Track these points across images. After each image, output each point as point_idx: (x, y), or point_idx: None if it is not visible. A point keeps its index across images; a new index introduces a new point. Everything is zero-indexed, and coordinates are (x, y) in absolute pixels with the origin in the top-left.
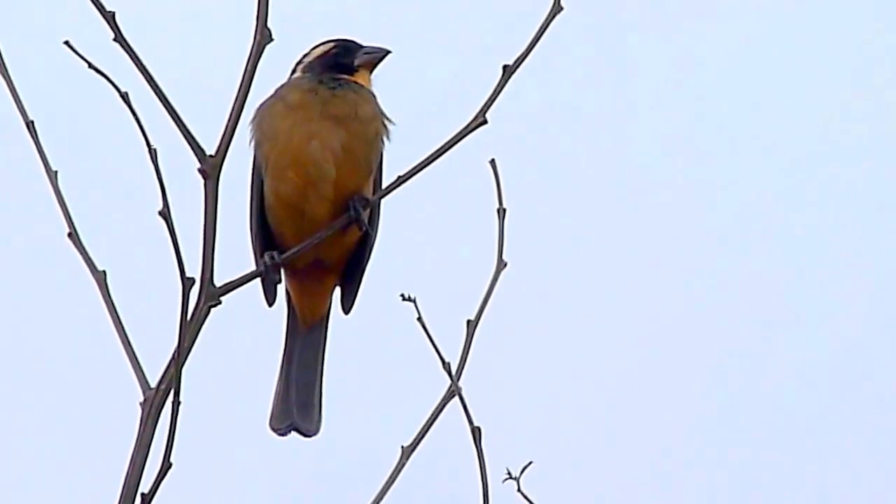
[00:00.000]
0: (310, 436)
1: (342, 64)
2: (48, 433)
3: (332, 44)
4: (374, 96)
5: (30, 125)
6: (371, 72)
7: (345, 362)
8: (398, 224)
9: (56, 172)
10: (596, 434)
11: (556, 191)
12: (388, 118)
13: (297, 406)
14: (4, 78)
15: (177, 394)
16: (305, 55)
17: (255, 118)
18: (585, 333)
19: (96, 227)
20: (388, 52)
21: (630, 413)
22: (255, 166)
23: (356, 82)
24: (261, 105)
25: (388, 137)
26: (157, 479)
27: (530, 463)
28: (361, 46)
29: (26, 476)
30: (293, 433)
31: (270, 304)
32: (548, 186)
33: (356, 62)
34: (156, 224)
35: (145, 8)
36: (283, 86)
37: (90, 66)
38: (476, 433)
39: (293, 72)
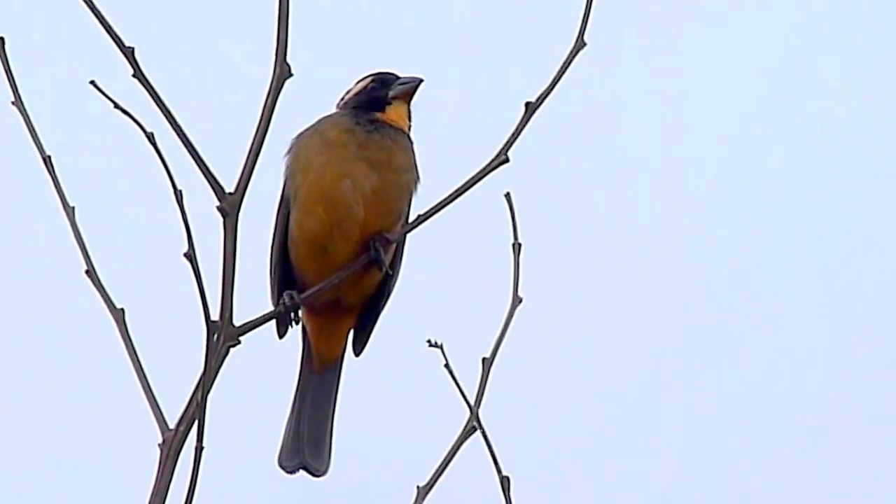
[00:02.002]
0: (319, 475)
1: (378, 98)
2: (62, 475)
3: (370, 78)
4: (411, 145)
5: (47, 160)
6: (408, 102)
7: (363, 400)
8: (412, 259)
9: (73, 208)
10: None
11: (572, 226)
12: (418, 173)
13: (308, 444)
14: (21, 112)
15: (200, 438)
16: (348, 91)
17: (291, 148)
18: (602, 371)
19: (114, 264)
20: (421, 80)
21: (650, 454)
22: (283, 198)
23: (393, 127)
24: (298, 136)
25: (416, 190)
26: None
27: None
28: (398, 77)
29: None
30: (302, 472)
31: (281, 337)
32: (563, 222)
33: (391, 94)
34: (173, 261)
35: (164, 42)
36: (321, 120)
37: (116, 106)
38: (505, 483)
39: (337, 105)
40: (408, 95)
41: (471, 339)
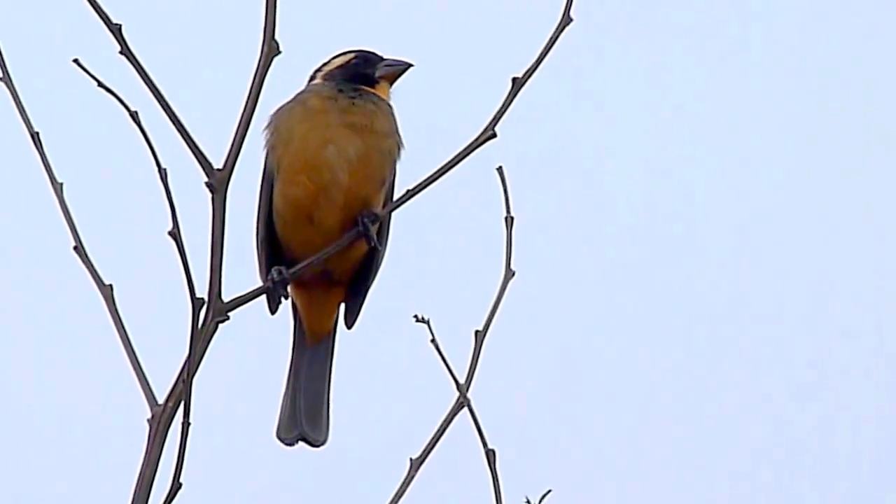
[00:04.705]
0: (318, 445)
1: (362, 75)
2: (51, 450)
3: (352, 54)
4: (392, 111)
5: (35, 136)
6: (391, 84)
7: (354, 373)
8: (405, 232)
9: (62, 184)
10: (611, 444)
11: (563, 198)
12: (401, 138)
13: (305, 416)
14: (9, 88)
15: (186, 414)
16: (325, 64)
17: (270, 122)
18: (594, 343)
19: (103, 240)
20: (410, 65)
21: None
22: (266, 171)
23: (376, 94)
24: (278, 109)
25: (399, 156)
26: (166, 500)
27: (549, 491)
28: (382, 58)
29: (29, 493)
30: (301, 443)
31: (273, 312)
32: (555, 195)
33: (377, 74)
34: (162, 237)
35: (151, 19)
36: (301, 92)
37: (100, 84)
38: (490, 456)
39: (311, 79)
40: (393, 78)
41: (464, 311)
